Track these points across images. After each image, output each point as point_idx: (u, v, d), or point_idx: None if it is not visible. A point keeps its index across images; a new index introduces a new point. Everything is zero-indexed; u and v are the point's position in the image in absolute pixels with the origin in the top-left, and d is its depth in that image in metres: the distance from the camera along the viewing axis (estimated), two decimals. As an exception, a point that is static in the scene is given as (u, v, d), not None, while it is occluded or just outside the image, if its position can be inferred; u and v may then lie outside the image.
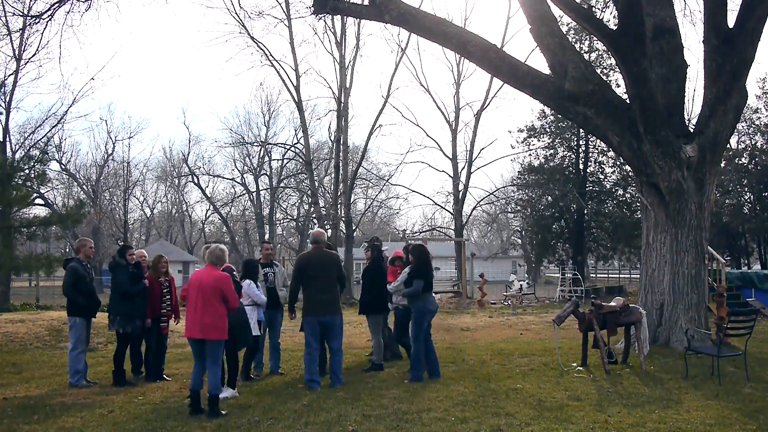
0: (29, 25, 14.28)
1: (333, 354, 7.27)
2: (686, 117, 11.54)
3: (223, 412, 5.88)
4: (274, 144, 41.50)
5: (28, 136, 28.41)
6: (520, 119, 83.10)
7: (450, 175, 31.37)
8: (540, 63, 36.89)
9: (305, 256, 7.36)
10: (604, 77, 20.81)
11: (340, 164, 27.20)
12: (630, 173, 20.27)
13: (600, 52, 25.05)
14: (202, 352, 6.01)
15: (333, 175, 29.66)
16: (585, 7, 13.24)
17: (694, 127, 10.56)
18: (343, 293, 9.05)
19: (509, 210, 34.74)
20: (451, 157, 31.11)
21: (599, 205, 28.05)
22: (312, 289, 7.05)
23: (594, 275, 36.89)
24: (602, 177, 28.23)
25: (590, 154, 27.58)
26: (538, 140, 28.24)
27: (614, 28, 9.25)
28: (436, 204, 32.81)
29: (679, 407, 5.91)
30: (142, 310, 7.66)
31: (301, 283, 7.13)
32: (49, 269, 11.12)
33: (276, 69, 26.21)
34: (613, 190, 27.95)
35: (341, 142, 26.99)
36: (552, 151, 28.04)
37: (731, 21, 9.61)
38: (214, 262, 6.16)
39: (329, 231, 27.57)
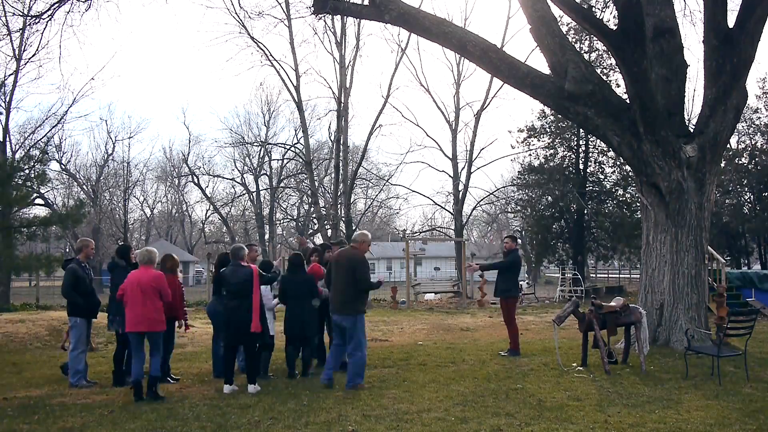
0: (29, 25, 14.28)
1: (348, 355, 7.15)
2: (686, 117, 11.53)
3: (161, 394, 6.60)
4: (274, 144, 41.53)
5: (28, 136, 28.46)
6: (520, 119, 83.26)
7: (450, 175, 31.40)
8: (540, 63, 36.88)
9: (333, 257, 7.68)
10: (604, 77, 20.80)
11: (340, 164, 27.21)
12: (630, 173, 20.28)
13: (600, 52, 25.05)
14: (142, 344, 6.85)
15: (333, 175, 29.65)
16: (585, 7, 13.24)
17: (694, 127, 10.55)
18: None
19: (509, 210, 34.73)
20: (451, 157, 31.14)
21: (599, 205, 28.05)
22: (331, 289, 7.34)
23: (594, 275, 36.87)
24: (602, 177, 28.23)
25: (590, 154, 27.57)
26: (538, 140, 28.24)
27: (614, 28, 9.24)
28: (436, 204, 32.86)
29: (679, 407, 5.91)
30: None
31: (328, 283, 7.64)
32: (49, 269, 11.15)
33: (276, 69, 26.23)
34: (613, 190, 27.94)
35: (341, 142, 27.00)
36: (552, 151, 28.04)
37: (731, 21, 9.61)
38: (147, 263, 6.88)
39: (329, 231, 27.55)
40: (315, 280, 7.99)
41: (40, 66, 38.30)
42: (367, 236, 7.32)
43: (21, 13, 16.60)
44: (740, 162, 28.05)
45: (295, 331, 7.72)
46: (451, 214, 31.98)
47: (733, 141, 26.70)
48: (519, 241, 7.95)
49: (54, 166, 36.51)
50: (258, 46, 25.80)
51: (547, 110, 26.13)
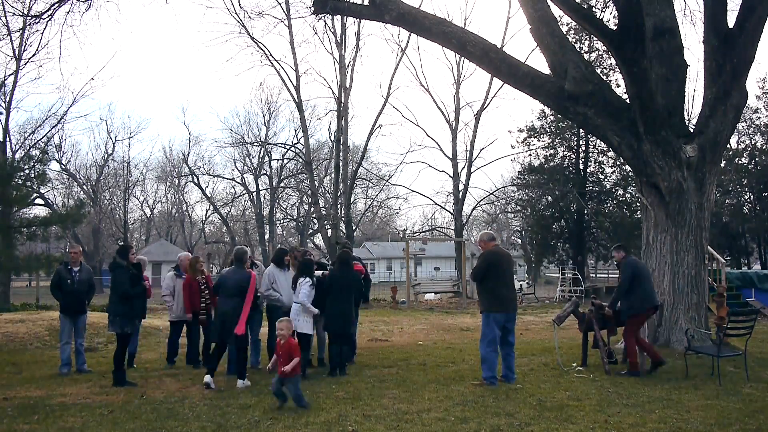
0: (29, 25, 14.27)
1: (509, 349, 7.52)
2: (686, 117, 11.53)
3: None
4: (274, 144, 41.60)
5: (28, 136, 28.54)
6: (520, 119, 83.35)
7: (450, 175, 31.43)
8: (540, 63, 36.91)
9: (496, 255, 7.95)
10: (604, 77, 20.81)
11: (340, 164, 27.22)
12: (630, 173, 20.28)
13: (600, 52, 25.05)
14: None
15: (333, 175, 29.69)
16: (585, 7, 13.24)
17: (694, 127, 10.55)
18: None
19: (509, 210, 34.76)
20: (451, 157, 31.17)
21: (599, 205, 28.04)
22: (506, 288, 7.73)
23: (594, 275, 36.87)
24: (602, 177, 28.23)
25: (590, 154, 27.57)
26: (538, 140, 28.25)
27: (614, 28, 9.24)
28: (436, 204, 32.90)
29: (679, 407, 5.91)
30: (139, 311, 7.75)
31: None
32: (49, 269, 11.14)
33: (276, 69, 26.28)
34: (613, 190, 27.95)
35: (341, 142, 27.02)
36: (552, 151, 28.04)
37: (731, 21, 9.62)
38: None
39: (329, 231, 27.54)
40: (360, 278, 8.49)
41: (40, 66, 38.50)
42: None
43: (21, 13, 16.62)
44: (740, 162, 28.07)
45: (340, 328, 7.78)
46: (451, 214, 32.00)
47: (733, 141, 26.76)
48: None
49: (54, 166, 36.64)
50: (258, 46, 25.89)
51: (547, 110, 26.14)
